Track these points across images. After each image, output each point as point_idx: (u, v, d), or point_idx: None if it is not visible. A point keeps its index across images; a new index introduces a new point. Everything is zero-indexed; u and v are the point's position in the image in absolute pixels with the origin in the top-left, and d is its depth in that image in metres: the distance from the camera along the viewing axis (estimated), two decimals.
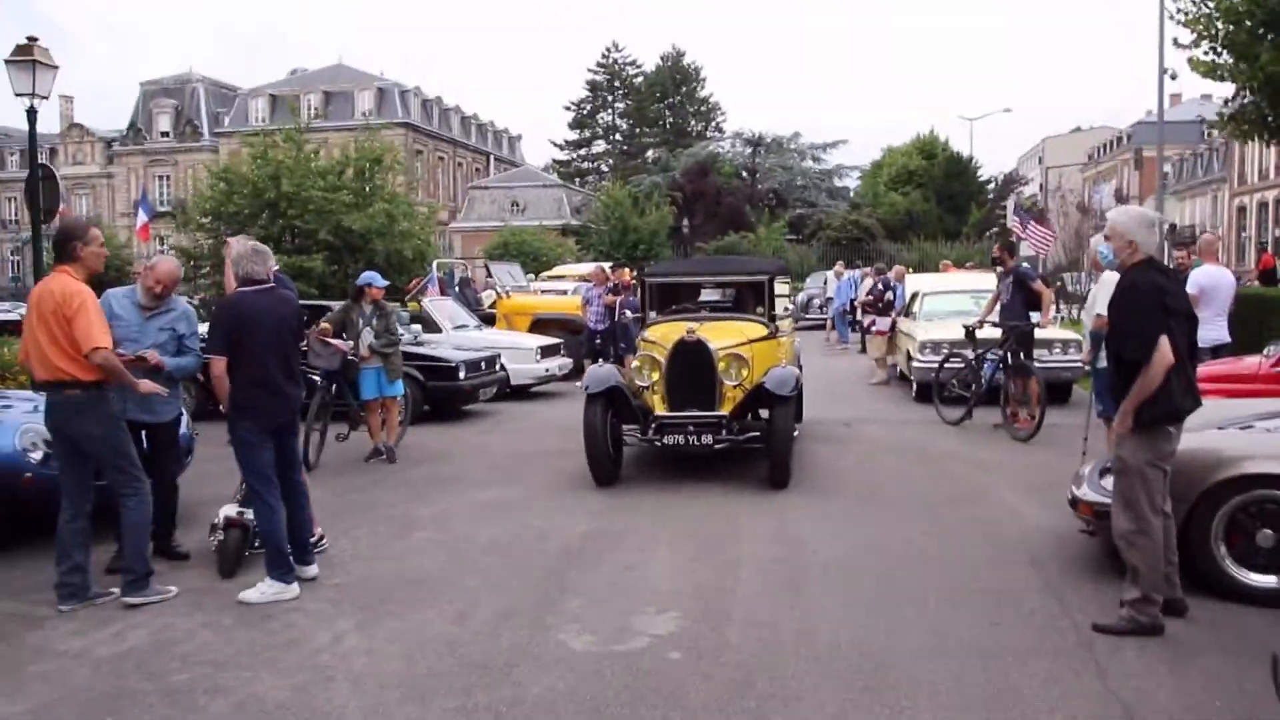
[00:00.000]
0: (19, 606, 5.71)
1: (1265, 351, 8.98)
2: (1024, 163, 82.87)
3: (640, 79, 77.66)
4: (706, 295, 11.11)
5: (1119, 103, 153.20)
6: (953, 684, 4.48)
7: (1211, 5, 13.38)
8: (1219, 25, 13.25)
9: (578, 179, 73.94)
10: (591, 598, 5.78)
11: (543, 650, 4.97)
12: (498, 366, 13.80)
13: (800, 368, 10.52)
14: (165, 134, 69.33)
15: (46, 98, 12.95)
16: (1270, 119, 13.53)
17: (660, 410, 8.76)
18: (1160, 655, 4.74)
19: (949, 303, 14.64)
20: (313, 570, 6.07)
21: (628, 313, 15.38)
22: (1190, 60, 14.06)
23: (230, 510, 6.43)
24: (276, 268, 6.59)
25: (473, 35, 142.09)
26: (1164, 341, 4.96)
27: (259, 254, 5.96)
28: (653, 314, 10.37)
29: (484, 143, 74.41)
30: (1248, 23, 12.96)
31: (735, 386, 8.72)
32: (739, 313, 10.37)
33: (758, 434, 8.71)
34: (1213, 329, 9.63)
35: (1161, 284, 5.21)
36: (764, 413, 8.95)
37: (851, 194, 67.50)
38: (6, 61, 12.89)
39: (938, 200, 61.88)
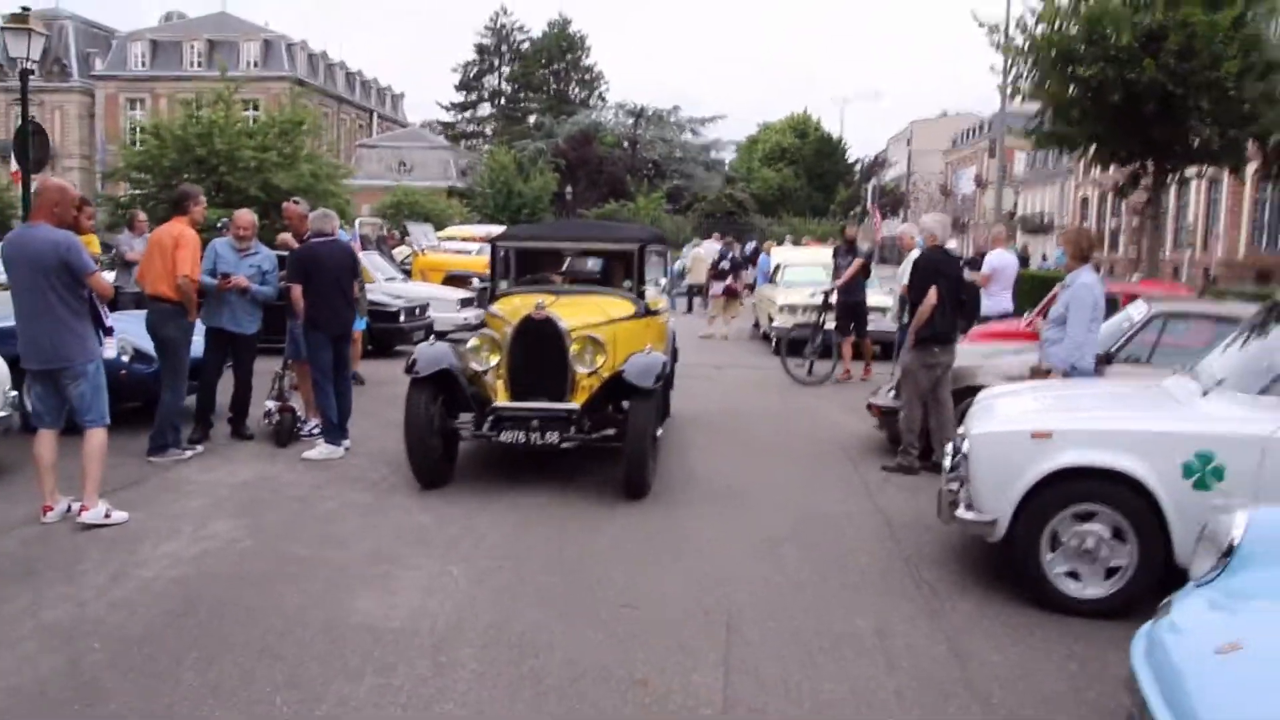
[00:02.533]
0: (144, 461, 8.11)
1: (1024, 317, 12.15)
2: (894, 144, 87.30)
3: (527, 44, 79.33)
4: (573, 267, 9.79)
5: (988, 90, 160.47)
6: (780, 503, 7.38)
7: (1021, 40, 16.62)
8: (1025, 59, 16.52)
9: (462, 141, 75.41)
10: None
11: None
12: (426, 314, 16.27)
13: (675, 353, 10.12)
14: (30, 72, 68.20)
15: (40, 61, 14.83)
16: (1059, 135, 16.98)
17: (502, 399, 7.45)
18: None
19: (806, 273, 17.63)
20: (346, 442, 8.61)
21: None
22: (1011, 81, 17.36)
23: (271, 403, 8.93)
24: (340, 225, 9.11)
25: None
26: (932, 291, 8.05)
27: (328, 217, 8.57)
28: (504, 284, 9.14)
29: (368, 100, 75.02)
30: (1047, 56, 16.22)
31: (590, 374, 7.45)
32: (605, 286, 9.09)
33: (614, 431, 7.40)
34: (1000, 301, 12.90)
35: (939, 259, 8.41)
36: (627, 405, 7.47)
37: (727, 167, 70.90)
38: (4, 28, 14.73)
39: (808, 178, 65.81)
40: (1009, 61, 17.10)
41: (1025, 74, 16.69)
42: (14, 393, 7.79)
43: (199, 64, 62.94)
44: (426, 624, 4.95)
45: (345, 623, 4.94)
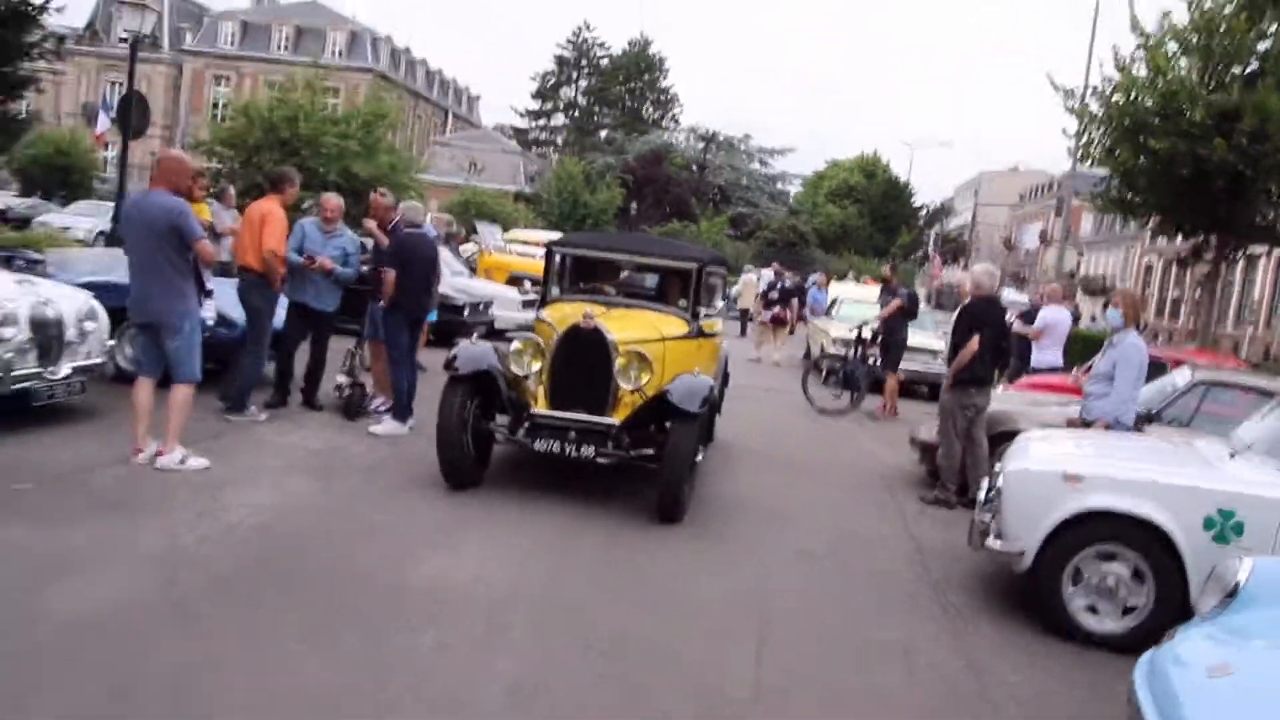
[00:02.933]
0: (221, 418, 8.61)
1: (1072, 373, 12.40)
2: (961, 192, 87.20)
3: (606, 60, 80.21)
4: (630, 280, 9.73)
5: (1060, 150, 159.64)
6: (817, 524, 7.73)
7: (1096, 107, 16.87)
8: (1098, 125, 16.77)
9: (533, 148, 76.37)
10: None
11: None
12: (489, 310, 16.79)
13: (725, 378, 9.99)
14: (123, 39, 69.77)
15: (149, 36, 15.57)
16: (1125, 201, 17.21)
17: (540, 407, 7.29)
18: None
19: (862, 310, 17.97)
20: (412, 420, 9.04)
21: None
22: (1083, 146, 17.63)
23: (342, 378, 9.43)
24: (430, 220, 9.63)
25: None
26: (975, 339, 8.34)
27: (418, 209, 9.10)
28: (555, 290, 8.90)
29: (445, 98, 76.14)
30: (1120, 125, 16.46)
31: (633, 391, 7.24)
32: (659, 303, 8.83)
33: (653, 452, 7.14)
34: (1051, 355, 13.22)
35: (983, 308, 8.67)
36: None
37: (792, 200, 71.25)
38: (121, 2, 15.49)
39: (872, 218, 65.92)
40: (1082, 126, 17.32)
41: (1097, 140, 16.92)
42: (111, 341, 8.37)
43: (286, 48, 64.42)
44: (483, 589, 5.36)
45: (410, 583, 5.36)
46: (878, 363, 14.27)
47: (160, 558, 5.23)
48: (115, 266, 11.01)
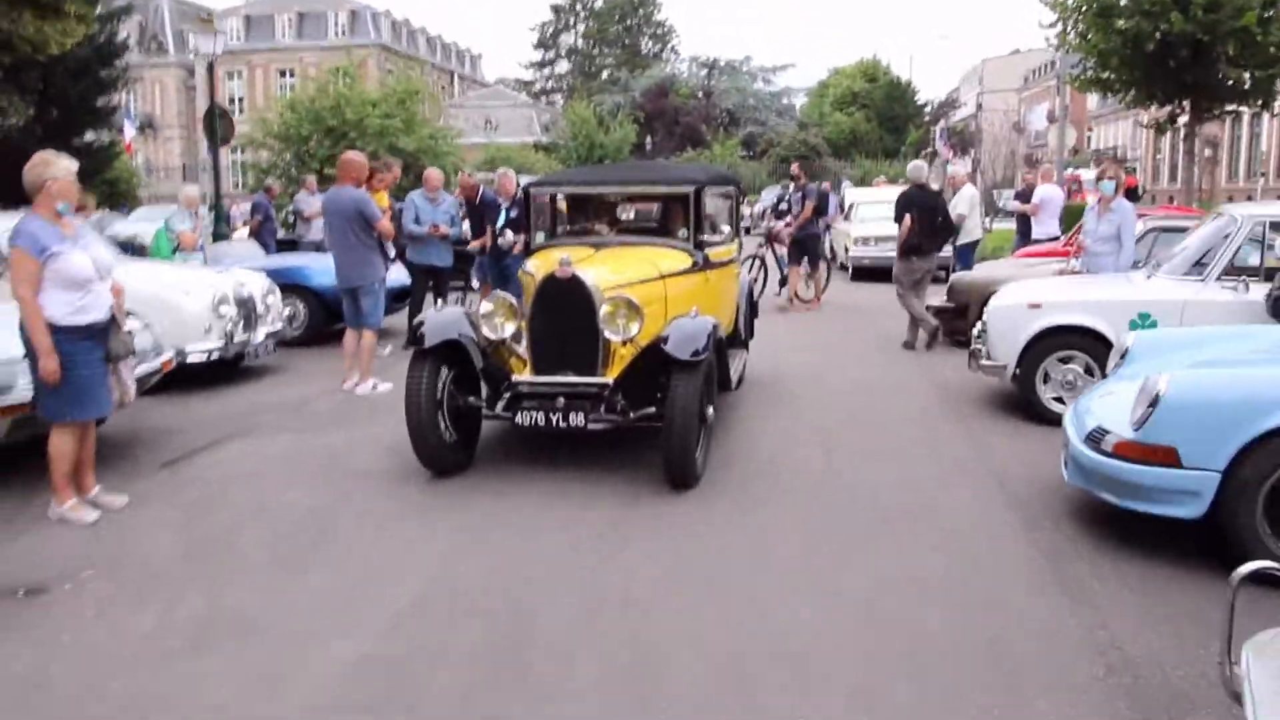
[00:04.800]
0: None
1: (1061, 239, 14.46)
2: (965, 82, 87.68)
3: (600, 2, 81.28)
4: (633, 216, 8.72)
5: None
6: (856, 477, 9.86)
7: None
8: (1070, 14, 18.61)
9: (541, 97, 77.91)
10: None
11: None
12: None
13: (750, 307, 9.54)
14: (126, 48, 71.85)
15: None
16: (1100, 80, 19.11)
17: (522, 373, 6.51)
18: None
19: (876, 210, 19.97)
20: None
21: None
22: (1057, 34, 19.44)
23: None
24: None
25: None
26: (907, 218, 10.96)
27: (508, 175, 11.28)
28: (540, 237, 7.96)
29: (448, 61, 77.68)
30: (1090, 10, 18.27)
31: (625, 342, 6.33)
32: (660, 236, 7.93)
33: (655, 410, 6.21)
34: (1048, 227, 15.31)
35: (914, 195, 11.32)
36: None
37: (799, 113, 72.57)
38: (195, 32, 17.58)
39: (879, 121, 67.25)
40: (1057, 17, 19.10)
41: (1070, 27, 18.72)
42: (287, 309, 10.70)
43: (291, 35, 66.21)
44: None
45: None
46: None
47: (378, 451, 7.29)
48: (257, 255, 13.38)
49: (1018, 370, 7.82)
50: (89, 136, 19.97)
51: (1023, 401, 7.93)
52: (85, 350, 5.59)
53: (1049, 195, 15.64)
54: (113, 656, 4.09)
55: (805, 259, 15.24)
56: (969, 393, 8.92)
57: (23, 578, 4.90)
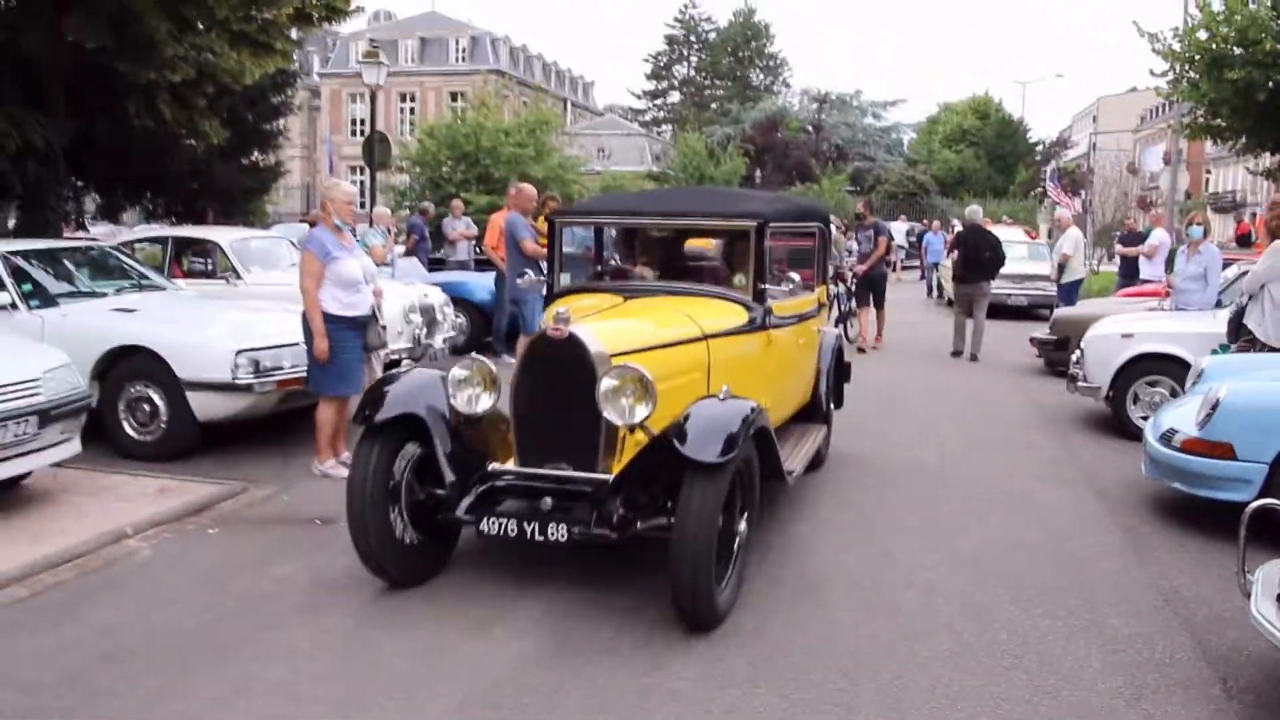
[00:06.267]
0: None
1: (1166, 281, 15.36)
2: (1079, 121, 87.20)
3: (714, 34, 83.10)
4: (694, 256, 7.06)
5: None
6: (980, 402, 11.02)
7: (1179, 47, 19.49)
8: (1182, 63, 19.41)
9: (652, 127, 79.88)
10: None
11: None
12: None
13: (839, 368, 8.01)
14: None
15: (381, 86, 19.53)
16: (1210, 127, 19.89)
17: (504, 462, 5.11)
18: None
19: None
20: None
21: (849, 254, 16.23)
22: (1169, 83, 20.25)
23: None
24: None
25: None
26: (956, 253, 13.15)
27: None
28: (565, 279, 6.69)
29: (562, 88, 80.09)
30: (1203, 61, 19.07)
31: (634, 427, 4.74)
32: (712, 285, 6.35)
33: (666, 523, 4.58)
34: (1157, 269, 16.19)
35: (965, 234, 13.62)
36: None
37: (907, 149, 73.14)
38: (361, 62, 19.47)
39: (989, 159, 67.57)
40: (1169, 65, 19.92)
41: (1181, 76, 19.53)
42: (461, 318, 12.31)
43: (413, 59, 69.24)
44: None
45: None
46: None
47: None
48: (421, 272, 15.04)
49: (1110, 392, 8.94)
50: (255, 156, 21.98)
51: (1114, 420, 9.04)
52: (350, 339, 7.09)
53: (1160, 240, 16.55)
54: None
55: (872, 298, 14.96)
56: (1065, 412, 10.02)
57: (313, 511, 6.37)
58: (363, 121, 66.72)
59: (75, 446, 6.35)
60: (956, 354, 13.98)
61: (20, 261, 8.13)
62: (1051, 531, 6.19)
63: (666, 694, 4.01)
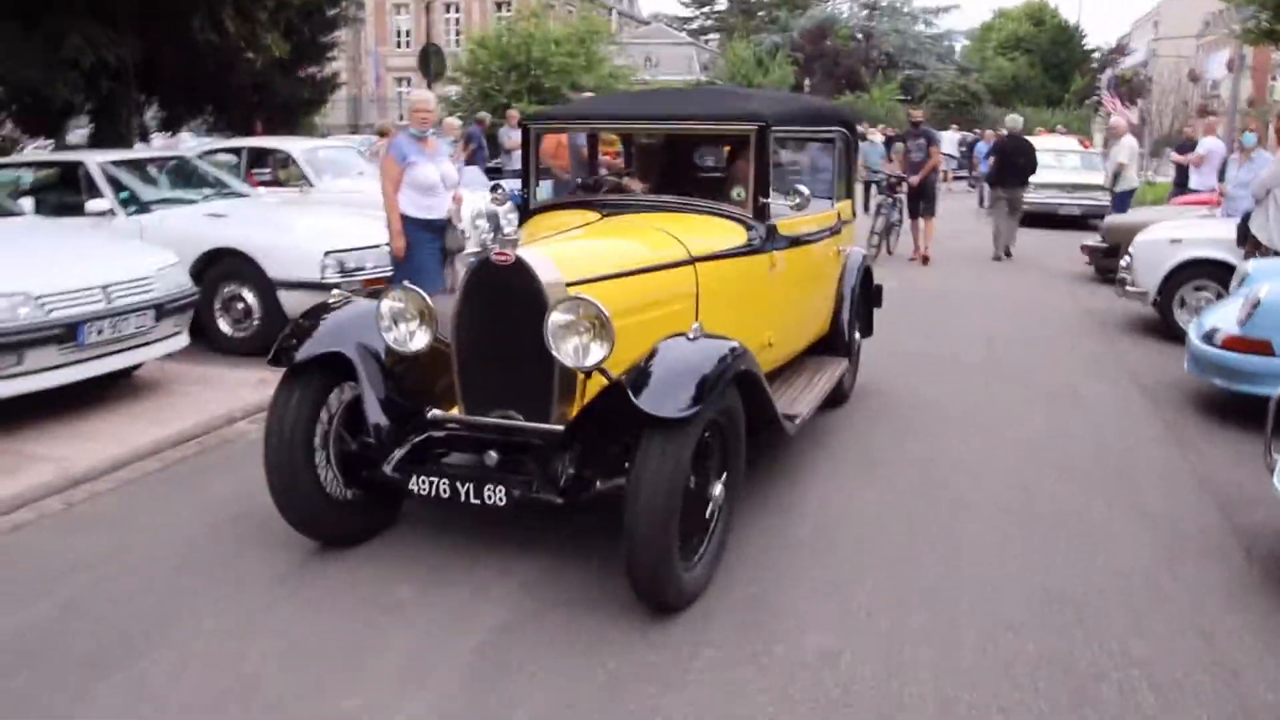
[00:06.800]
0: None
1: (1218, 189, 15.39)
2: (1138, 27, 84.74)
3: None
4: (697, 165, 6.47)
5: None
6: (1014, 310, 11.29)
7: None
8: None
9: (700, 36, 78.79)
10: None
11: None
12: None
13: (867, 294, 7.09)
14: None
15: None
16: (1271, 31, 19.61)
17: (447, 408, 4.35)
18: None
19: (1043, 158, 20.82)
20: None
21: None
22: None
23: None
24: None
25: None
26: (994, 158, 13.87)
27: None
28: (544, 192, 6.30)
29: None
30: None
31: (590, 371, 3.97)
32: (709, 199, 5.42)
33: (624, 483, 3.74)
34: (1208, 178, 16.15)
35: (1004, 142, 14.27)
36: None
37: (959, 57, 71.73)
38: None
39: (1043, 67, 66.16)
40: None
41: None
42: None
43: None
44: None
45: None
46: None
47: None
48: (482, 178, 15.38)
49: (1158, 296, 9.18)
50: (310, 69, 22.24)
51: (1161, 324, 9.29)
52: (426, 240, 7.52)
53: (1212, 148, 16.43)
54: None
55: (923, 207, 14.50)
56: (1114, 317, 10.29)
57: None
58: (408, 33, 66.60)
59: (184, 339, 6.88)
60: (997, 258, 14.64)
61: (116, 170, 8.62)
62: (1096, 423, 6.55)
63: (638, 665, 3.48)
